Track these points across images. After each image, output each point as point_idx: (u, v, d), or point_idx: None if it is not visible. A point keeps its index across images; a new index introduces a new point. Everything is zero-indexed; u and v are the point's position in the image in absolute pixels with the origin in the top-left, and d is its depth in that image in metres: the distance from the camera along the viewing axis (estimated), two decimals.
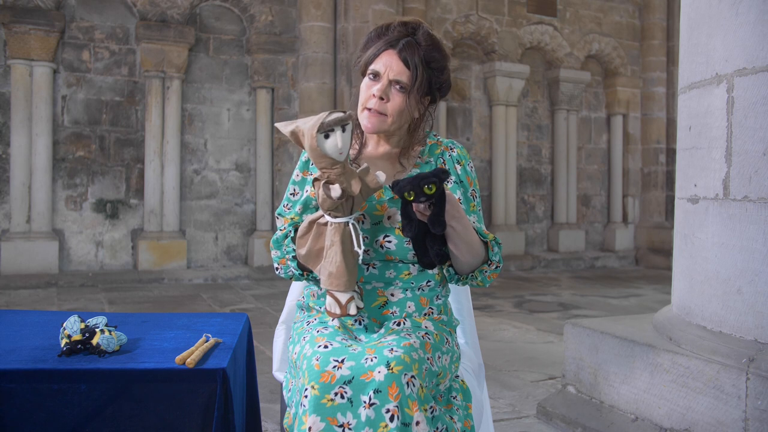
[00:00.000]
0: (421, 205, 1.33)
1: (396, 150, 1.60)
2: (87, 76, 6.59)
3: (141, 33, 6.62)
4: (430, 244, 1.41)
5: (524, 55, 8.61)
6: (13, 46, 6.17)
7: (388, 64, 1.51)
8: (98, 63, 6.63)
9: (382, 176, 1.36)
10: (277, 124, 1.34)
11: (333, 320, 1.47)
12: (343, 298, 1.36)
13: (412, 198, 1.31)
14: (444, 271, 1.52)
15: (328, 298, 1.38)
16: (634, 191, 9.39)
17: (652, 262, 8.90)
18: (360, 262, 1.36)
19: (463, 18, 8.14)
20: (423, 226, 1.38)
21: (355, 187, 1.31)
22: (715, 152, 2.17)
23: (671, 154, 9.16)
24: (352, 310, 1.36)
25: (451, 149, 1.62)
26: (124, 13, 6.74)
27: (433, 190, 1.30)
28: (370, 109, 1.52)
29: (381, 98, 1.51)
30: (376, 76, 1.52)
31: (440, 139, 1.65)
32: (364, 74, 1.56)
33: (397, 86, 1.51)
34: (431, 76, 1.53)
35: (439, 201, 1.33)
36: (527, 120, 8.77)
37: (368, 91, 1.53)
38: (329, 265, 1.34)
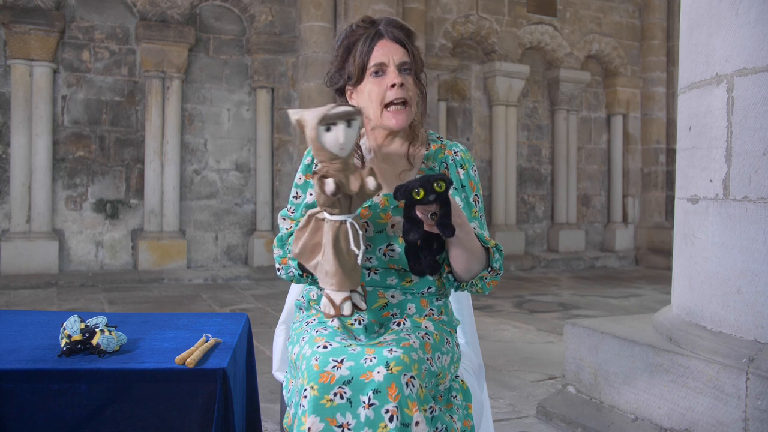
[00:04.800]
0: (429, 210, 1.30)
1: (403, 147, 1.56)
2: (87, 76, 6.59)
3: (141, 33, 6.61)
4: (424, 254, 1.38)
5: (524, 55, 8.61)
6: (13, 46, 6.17)
7: (389, 51, 1.48)
8: (98, 63, 6.63)
9: (372, 182, 1.32)
10: (289, 111, 1.30)
11: (332, 321, 1.45)
12: (337, 297, 1.31)
13: (420, 196, 1.26)
14: (443, 277, 1.51)
15: (324, 299, 1.34)
16: (634, 191, 9.39)
17: (652, 262, 8.90)
18: (359, 262, 1.31)
19: (463, 18, 8.14)
20: (423, 234, 1.35)
21: (354, 185, 1.26)
22: (715, 152, 2.17)
23: (671, 154, 9.16)
24: (346, 311, 1.31)
25: (454, 153, 1.59)
26: (124, 13, 6.74)
27: (443, 187, 1.26)
28: (392, 103, 1.47)
29: (402, 85, 1.47)
30: (379, 71, 1.48)
31: (444, 142, 1.61)
32: (360, 80, 1.50)
33: (404, 69, 1.49)
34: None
35: (445, 204, 1.30)
36: (527, 120, 8.77)
37: (381, 86, 1.47)
38: (325, 263, 1.30)
